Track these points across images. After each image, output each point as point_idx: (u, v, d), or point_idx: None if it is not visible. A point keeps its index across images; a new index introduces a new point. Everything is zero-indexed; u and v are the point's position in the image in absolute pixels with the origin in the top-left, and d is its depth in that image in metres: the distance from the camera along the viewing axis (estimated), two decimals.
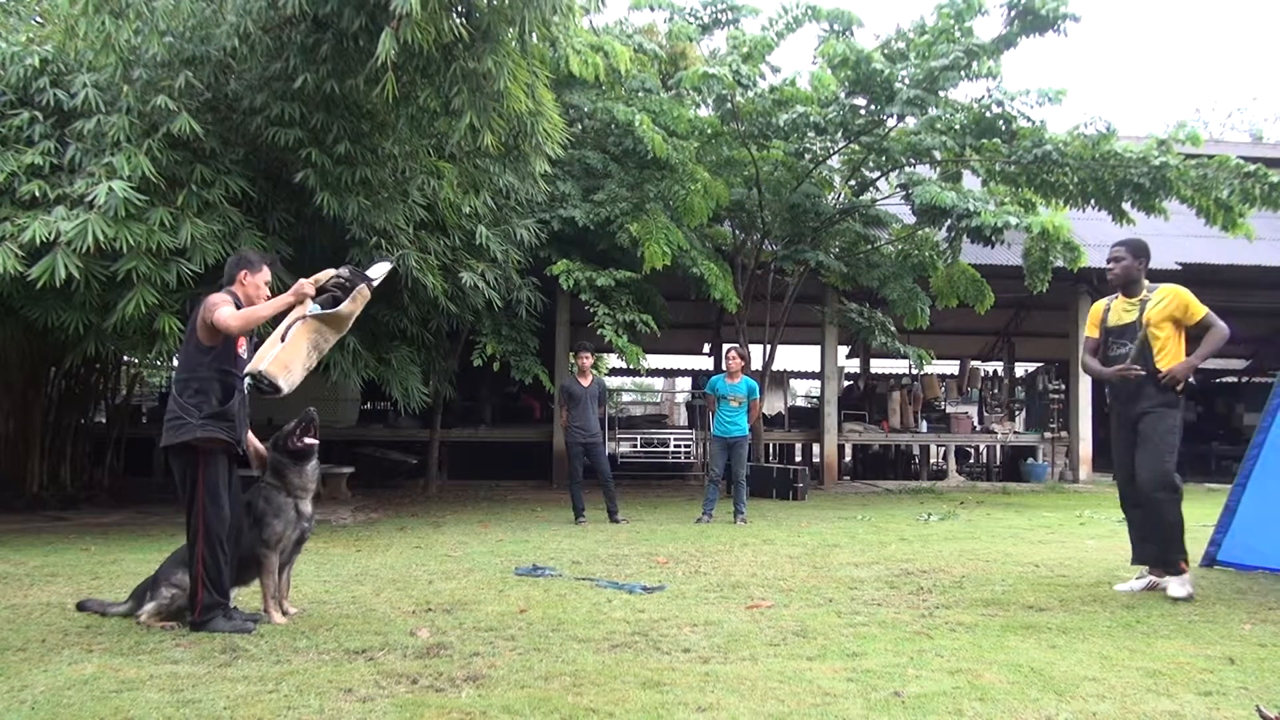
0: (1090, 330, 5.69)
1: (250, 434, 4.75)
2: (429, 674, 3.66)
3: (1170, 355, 5.30)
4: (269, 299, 4.67)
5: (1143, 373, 5.28)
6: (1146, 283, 5.48)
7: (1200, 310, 5.36)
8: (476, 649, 4.05)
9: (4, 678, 3.63)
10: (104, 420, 13.00)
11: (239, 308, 4.54)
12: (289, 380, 4.45)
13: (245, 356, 4.62)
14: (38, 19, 8.95)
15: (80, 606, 4.85)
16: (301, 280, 4.59)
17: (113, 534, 8.40)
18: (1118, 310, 5.53)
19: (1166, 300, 5.35)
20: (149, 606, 4.57)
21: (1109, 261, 5.57)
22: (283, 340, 4.49)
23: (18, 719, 3.16)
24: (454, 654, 3.98)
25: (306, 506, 4.80)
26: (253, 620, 4.53)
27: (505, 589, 5.54)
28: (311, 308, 4.57)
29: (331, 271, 4.73)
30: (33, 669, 3.76)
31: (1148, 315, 5.34)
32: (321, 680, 3.56)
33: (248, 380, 4.49)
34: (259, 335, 4.81)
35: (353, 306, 4.66)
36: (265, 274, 4.75)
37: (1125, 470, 5.49)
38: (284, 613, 4.69)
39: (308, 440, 4.77)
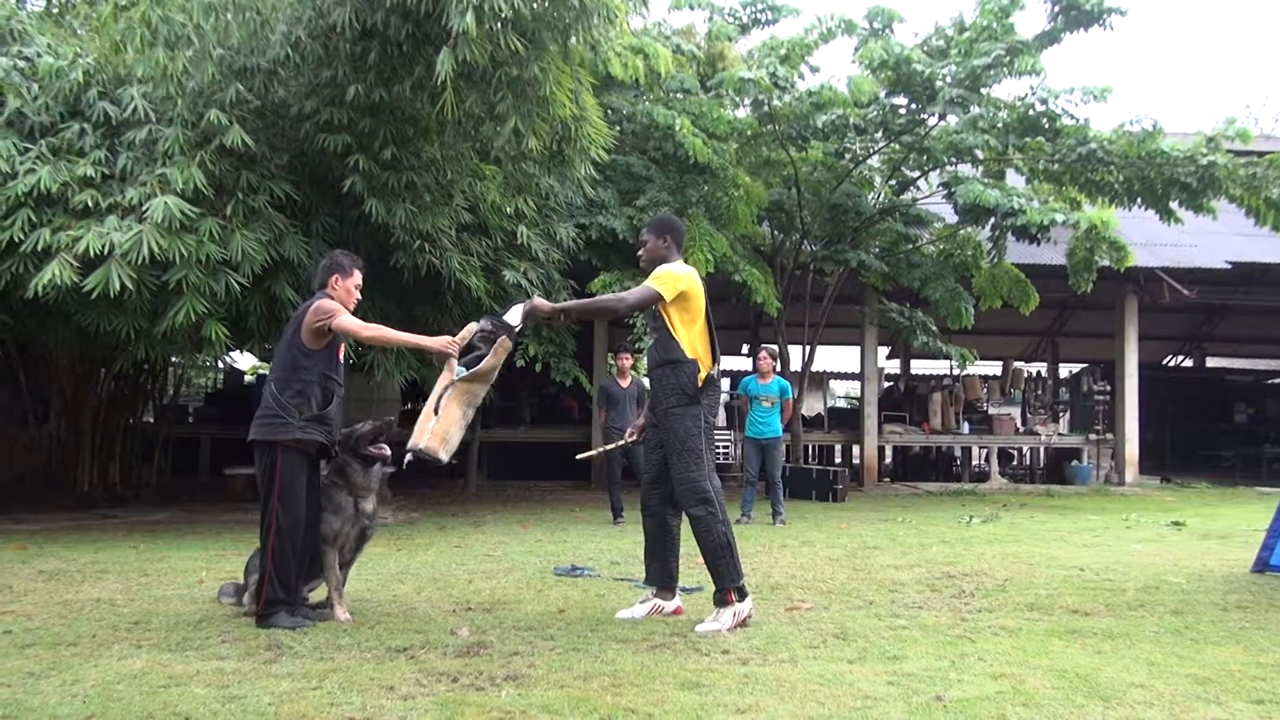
0: None
1: None
2: (469, 672, 3.68)
3: (682, 343, 4.58)
4: (358, 300, 4.88)
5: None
6: (678, 259, 4.81)
7: (650, 280, 4.60)
8: (516, 648, 4.07)
9: (57, 672, 3.71)
10: (152, 420, 13.25)
11: None
12: (448, 450, 4.56)
13: (342, 362, 4.73)
14: (82, 31, 9.13)
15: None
16: (447, 339, 4.63)
17: (160, 532, 8.55)
18: None
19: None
20: (245, 598, 4.71)
21: (638, 251, 4.97)
22: (436, 412, 4.54)
23: (69, 712, 3.23)
24: (494, 653, 4.00)
25: (368, 505, 4.87)
26: (312, 618, 4.60)
27: (544, 589, 5.57)
28: (458, 370, 4.59)
29: (474, 326, 4.71)
30: (84, 664, 3.84)
31: None
32: (364, 678, 3.60)
33: (408, 456, 4.58)
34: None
35: (495, 360, 4.61)
36: (356, 277, 4.85)
37: (649, 471, 4.82)
38: (321, 611, 4.76)
39: (384, 451, 4.85)
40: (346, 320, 4.58)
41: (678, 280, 4.62)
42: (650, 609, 4.76)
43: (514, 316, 4.71)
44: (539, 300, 4.67)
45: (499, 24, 6.53)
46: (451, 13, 6.38)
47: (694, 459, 4.52)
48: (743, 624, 4.46)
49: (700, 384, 4.58)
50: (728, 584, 4.50)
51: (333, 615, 4.64)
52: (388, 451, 4.86)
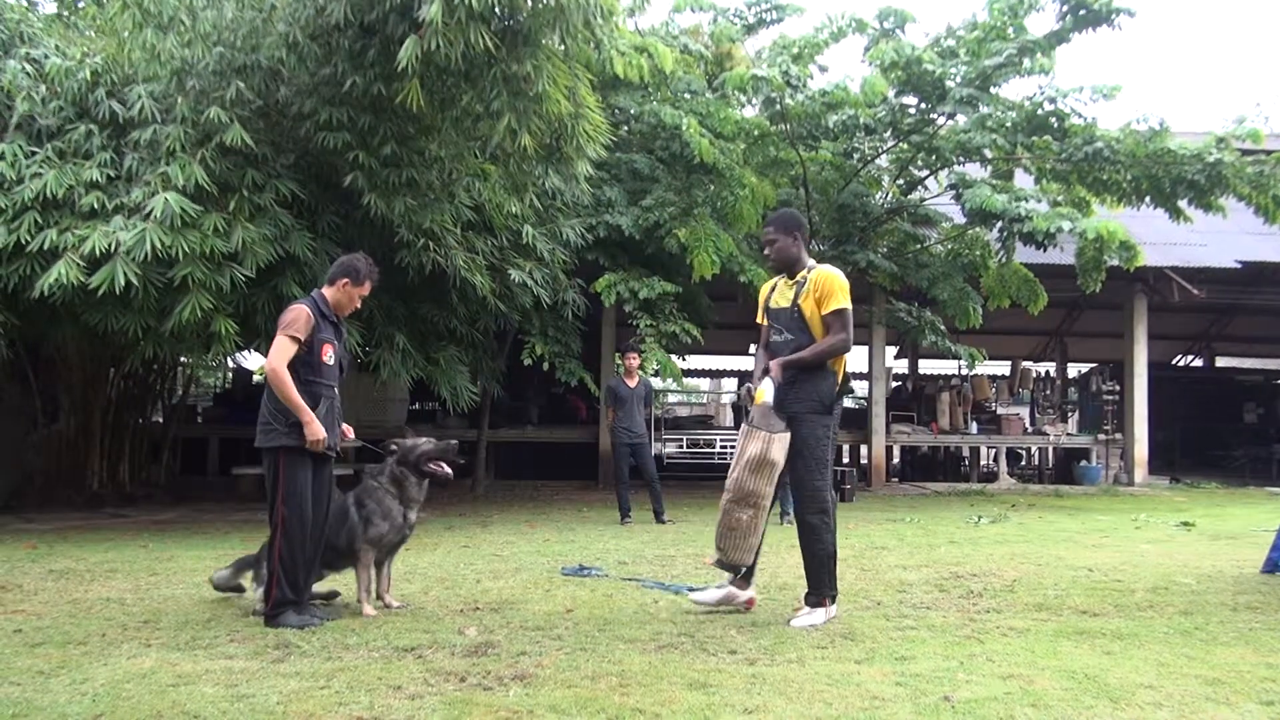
0: (759, 317, 4.95)
1: (346, 427, 4.89)
2: (477, 672, 3.68)
3: None
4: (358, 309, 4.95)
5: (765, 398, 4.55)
6: (811, 261, 4.78)
7: (835, 303, 4.57)
8: (524, 648, 4.08)
9: (66, 670, 3.73)
10: (161, 420, 13.29)
11: (323, 312, 4.69)
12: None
13: (331, 364, 4.71)
14: (90, 31, 9.18)
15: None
16: (322, 437, 4.57)
17: (169, 531, 8.58)
18: (780, 292, 4.81)
19: (815, 285, 4.63)
20: (257, 596, 4.74)
21: (763, 246, 4.96)
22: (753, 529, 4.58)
23: (79, 710, 3.25)
24: (501, 653, 4.00)
25: (413, 515, 5.04)
26: (321, 615, 4.65)
27: (552, 589, 5.57)
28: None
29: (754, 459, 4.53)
30: (93, 662, 3.86)
31: (800, 300, 4.65)
32: (371, 677, 3.61)
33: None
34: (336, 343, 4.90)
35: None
36: (366, 288, 4.87)
37: None
38: (388, 605, 4.92)
39: (446, 471, 5.00)
40: (279, 346, 4.52)
41: (849, 295, 4.66)
42: (724, 595, 4.83)
43: (767, 392, 4.58)
44: (773, 371, 4.61)
45: (469, 19, 6.52)
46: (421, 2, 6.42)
47: (820, 467, 4.59)
48: (833, 617, 4.63)
49: (835, 396, 4.67)
50: (825, 592, 4.63)
51: (371, 613, 4.76)
52: (449, 471, 5.02)
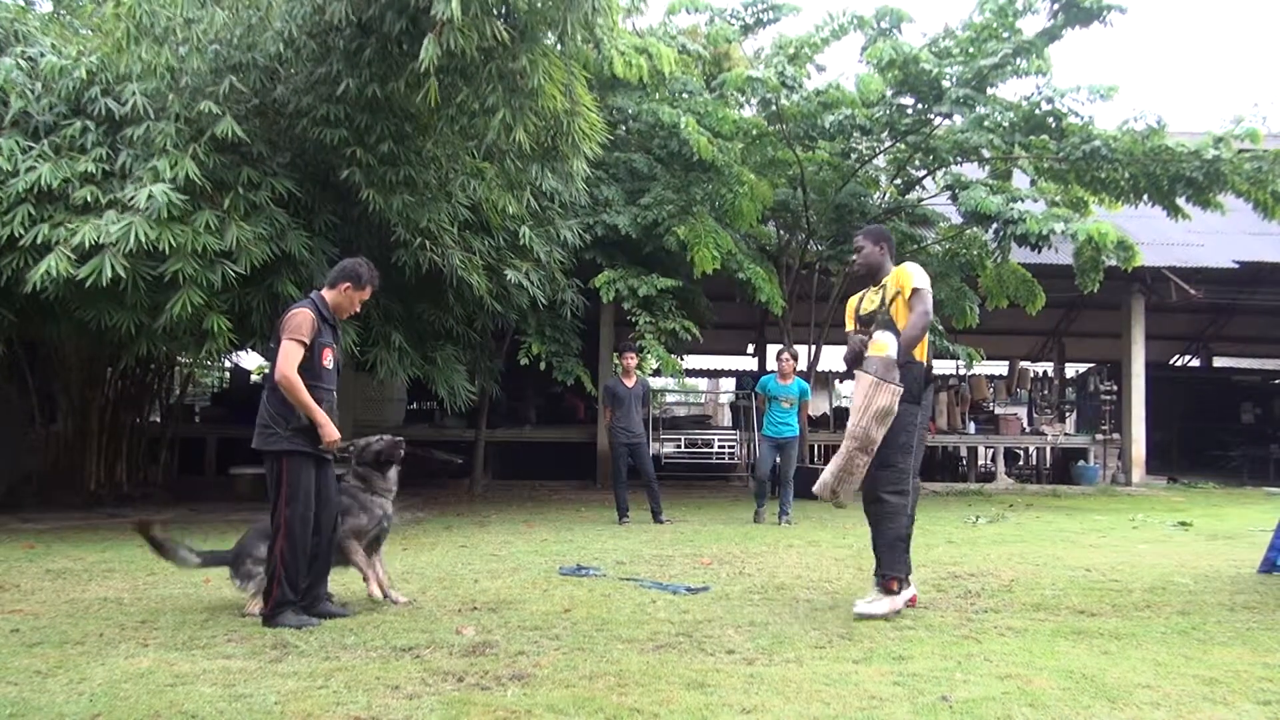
0: (848, 324, 5.21)
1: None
2: (475, 672, 3.68)
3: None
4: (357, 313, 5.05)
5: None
6: (893, 267, 5.04)
7: (913, 284, 4.79)
8: (521, 648, 4.08)
9: (64, 670, 3.72)
10: (158, 420, 13.28)
11: (323, 315, 4.71)
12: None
13: (330, 368, 4.72)
14: (86, 30, 9.18)
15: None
16: (336, 438, 4.66)
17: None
18: (868, 299, 5.09)
19: (894, 282, 4.88)
20: (250, 587, 4.82)
21: (853, 255, 5.23)
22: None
23: (76, 710, 3.24)
24: (499, 653, 4.00)
25: (388, 506, 5.18)
26: (341, 611, 4.75)
27: (550, 589, 5.57)
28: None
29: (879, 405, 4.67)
30: (91, 662, 3.85)
31: (887, 298, 4.90)
32: (369, 677, 3.61)
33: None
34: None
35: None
36: (366, 292, 4.91)
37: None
38: (394, 602, 5.01)
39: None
40: (288, 351, 4.53)
41: (924, 278, 4.87)
42: (890, 605, 4.79)
43: (890, 346, 4.75)
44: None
45: (484, 13, 6.53)
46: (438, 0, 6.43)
47: (903, 452, 4.81)
48: (897, 611, 4.73)
49: (923, 385, 4.88)
50: (894, 572, 4.78)
51: (380, 594, 4.97)
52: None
